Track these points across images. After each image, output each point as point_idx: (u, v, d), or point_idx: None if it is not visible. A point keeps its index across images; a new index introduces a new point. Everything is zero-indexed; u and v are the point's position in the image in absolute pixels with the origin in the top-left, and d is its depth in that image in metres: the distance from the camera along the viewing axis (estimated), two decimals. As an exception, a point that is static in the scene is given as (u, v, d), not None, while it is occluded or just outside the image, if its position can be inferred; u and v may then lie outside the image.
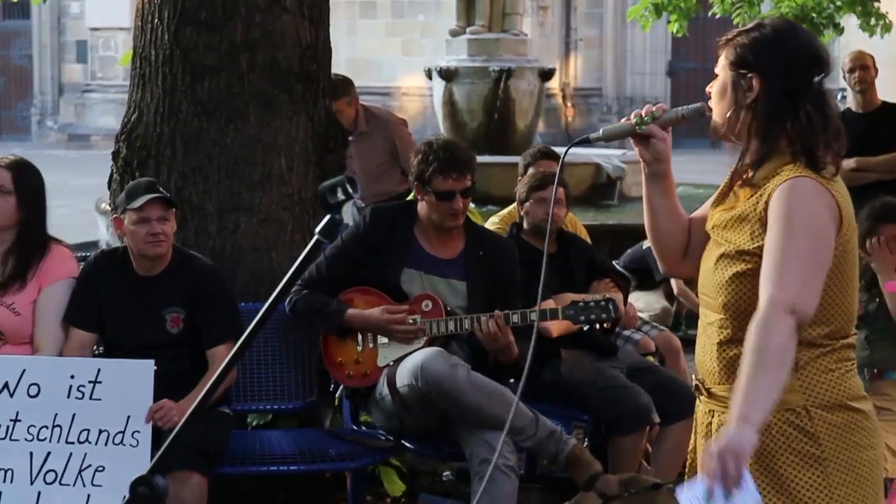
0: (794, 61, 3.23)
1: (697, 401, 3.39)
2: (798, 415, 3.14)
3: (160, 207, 5.22)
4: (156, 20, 5.91)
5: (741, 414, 2.92)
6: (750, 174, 3.23)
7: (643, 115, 3.33)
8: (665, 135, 3.33)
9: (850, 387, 3.20)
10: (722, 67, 3.29)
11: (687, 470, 3.51)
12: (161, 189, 5.31)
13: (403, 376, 5.21)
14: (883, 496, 3.22)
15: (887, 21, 11.25)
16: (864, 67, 8.47)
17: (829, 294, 3.14)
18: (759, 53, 3.23)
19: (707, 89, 3.33)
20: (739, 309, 3.18)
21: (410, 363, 5.20)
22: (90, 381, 4.90)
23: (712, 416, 3.29)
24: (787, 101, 3.20)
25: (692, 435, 3.46)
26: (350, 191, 2.50)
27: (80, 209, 14.74)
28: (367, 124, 8.46)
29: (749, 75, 3.22)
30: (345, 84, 7.89)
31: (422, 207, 5.51)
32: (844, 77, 8.59)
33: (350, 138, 8.17)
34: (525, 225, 6.16)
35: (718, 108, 3.29)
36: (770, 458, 3.15)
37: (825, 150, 3.18)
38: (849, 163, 8.17)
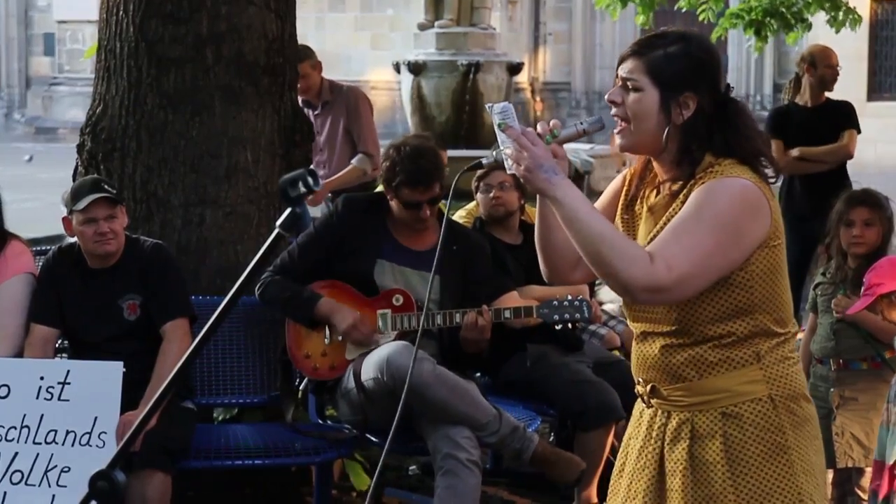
0: (719, 75, 3.21)
1: (642, 408, 3.34)
2: (765, 404, 3.17)
3: (106, 206, 5.18)
4: (121, 12, 5.87)
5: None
6: (677, 187, 3.17)
7: (541, 134, 3.16)
8: (565, 153, 3.21)
9: (802, 378, 3.26)
10: (644, 84, 3.15)
11: (614, 473, 3.45)
12: (106, 186, 5.27)
13: (369, 370, 5.20)
14: (827, 482, 3.31)
15: (856, 15, 11.24)
16: (834, 65, 8.53)
17: (770, 284, 3.16)
18: (692, 72, 3.16)
19: (610, 98, 3.21)
20: (692, 316, 3.16)
21: (376, 357, 5.19)
22: (59, 383, 4.90)
23: (667, 418, 3.26)
24: (719, 114, 3.17)
25: (630, 440, 3.39)
26: (311, 184, 2.50)
27: (48, 202, 14.69)
28: (332, 94, 8.53)
29: (684, 95, 3.15)
30: (305, 48, 7.90)
31: (393, 204, 5.51)
32: (802, 70, 8.60)
33: (315, 112, 8.24)
34: (483, 216, 6.17)
35: (640, 129, 3.17)
36: (740, 450, 3.16)
37: (758, 156, 3.17)
38: (793, 152, 8.31)
